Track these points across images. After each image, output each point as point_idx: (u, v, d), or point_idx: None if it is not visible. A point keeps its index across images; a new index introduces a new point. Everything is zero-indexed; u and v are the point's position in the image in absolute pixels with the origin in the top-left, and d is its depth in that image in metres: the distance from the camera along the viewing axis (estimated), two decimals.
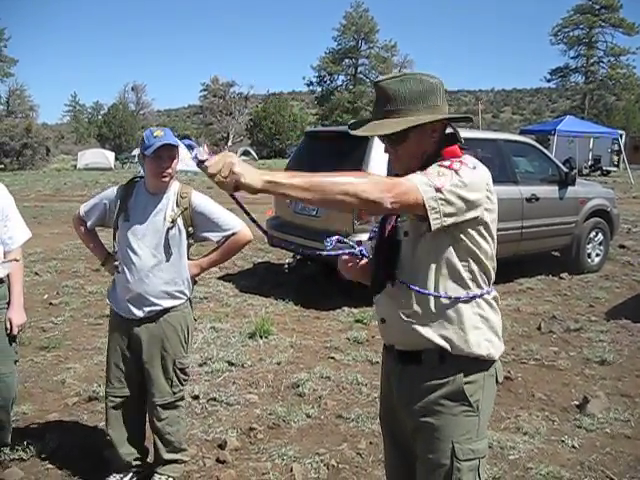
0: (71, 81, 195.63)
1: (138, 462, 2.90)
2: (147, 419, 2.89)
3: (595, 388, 4.07)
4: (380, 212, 1.72)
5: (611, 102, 52.67)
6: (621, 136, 25.68)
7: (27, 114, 43.33)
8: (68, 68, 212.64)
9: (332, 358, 4.59)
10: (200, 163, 1.45)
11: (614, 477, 3.00)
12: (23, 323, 2.91)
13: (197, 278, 2.90)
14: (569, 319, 5.65)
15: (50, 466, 3.02)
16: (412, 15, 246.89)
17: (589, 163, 28.17)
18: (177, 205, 2.70)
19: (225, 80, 56.48)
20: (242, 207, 1.57)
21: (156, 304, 2.70)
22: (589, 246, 7.52)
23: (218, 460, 3.13)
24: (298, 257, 7.03)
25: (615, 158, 29.28)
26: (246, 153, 41.20)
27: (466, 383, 1.70)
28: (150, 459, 2.96)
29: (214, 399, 3.81)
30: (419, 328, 1.70)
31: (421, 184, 1.54)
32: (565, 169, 7.35)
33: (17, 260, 2.86)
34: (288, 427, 3.50)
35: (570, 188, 7.18)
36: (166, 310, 2.73)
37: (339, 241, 1.83)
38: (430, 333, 1.70)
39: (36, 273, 7.12)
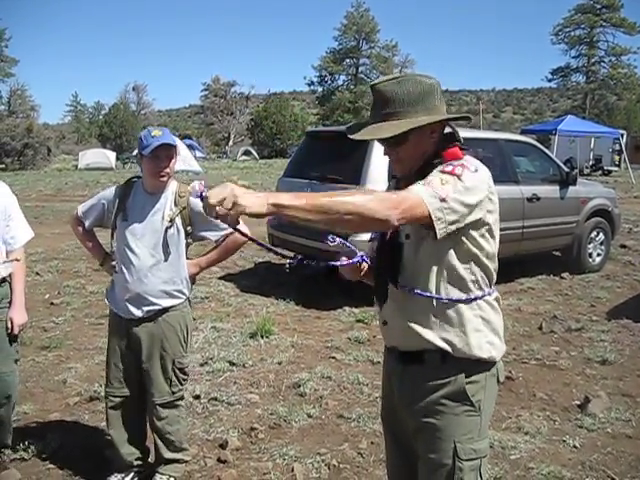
0: (72, 81, 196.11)
1: (139, 462, 2.90)
2: (147, 419, 2.89)
3: (596, 388, 4.06)
4: (387, 229, 1.69)
5: (612, 102, 52.59)
6: (622, 136, 25.67)
7: (28, 114, 43.33)
8: (69, 68, 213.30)
9: (333, 358, 4.59)
10: (200, 196, 1.40)
11: (615, 477, 3.00)
12: (24, 323, 2.91)
13: (197, 277, 2.90)
14: (570, 319, 5.65)
15: (51, 466, 3.03)
16: (413, 15, 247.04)
17: (590, 163, 28.14)
18: (175, 204, 2.70)
19: (226, 80, 56.60)
20: (254, 240, 1.56)
21: (155, 304, 2.70)
22: (590, 246, 7.52)
23: (219, 460, 3.13)
24: (299, 257, 7.01)
25: (616, 158, 29.22)
26: (247, 153, 41.21)
27: (468, 383, 1.70)
28: (151, 459, 2.96)
29: (215, 399, 3.81)
30: (420, 330, 1.70)
31: (426, 196, 1.52)
32: (566, 169, 7.35)
33: (18, 260, 2.86)
34: (289, 427, 3.50)
35: (571, 188, 7.17)
36: (165, 310, 2.73)
37: (341, 243, 1.81)
38: (431, 336, 1.69)
39: (37, 273, 7.13)
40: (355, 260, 1.80)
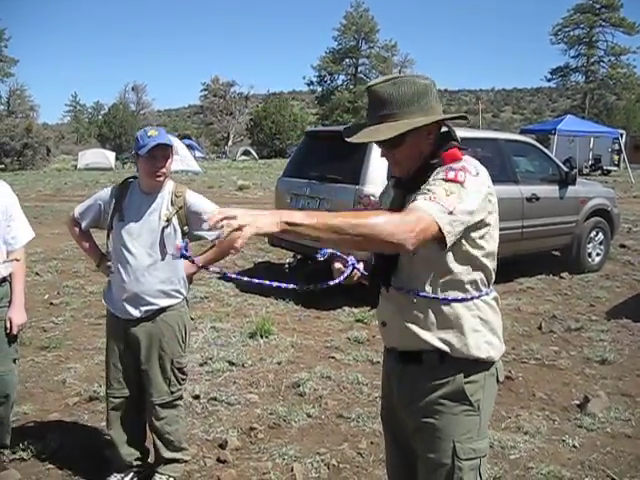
0: (71, 81, 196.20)
1: (139, 462, 2.90)
2: (147, 419, 2.89)
3: (596, 387, 4.07)
4: (397, 252, 1.66)
5: (611, 101, 52.61)
6: (621, 135, 25.65)
7: (27, 114, 43.28)
8: (68, 68, 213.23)
9: (333, 358, 4.59)
10: (182, 255, 1.54)
11: (615, 476, 3.00)
12: (23, 323, 2.91)
13: (196, 277, 2.90)
14: (570, 318, 5.65)
15: (51, 466, 3.03)
16: (412, 15, 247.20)
17: (589, 162, 28.15)
18: (172, 204, 2.71)
19: (225, 80, 56.46)
20: (255, 283, 1.62)
21: (153, 303, 2.70)
22: (589, 245, 7.52)
23: (219, 460, 3.13)
24: (298, 257, 7.03)
25: (615, 157, 29.23)
26: (246, 153, 41.17)
27: (466, 383, 1.70)
28: (151, 459, 2.97)
29: (215, 399, 3.81)
30: (418, 331, 1.70)
31: (436, 213, 1.50)
32: (565, 168, 7.35)
33: (18, 260, 2.86)
34: (289, 427, 3.50)
35: (570, 187, 7.17)
36: (163, 309, 2.74)
37: (332, 254, 1.79)
38: (429, 336, 1.70)
39: (37, 273, 7.12)
40: (347, 273, 1.78)
